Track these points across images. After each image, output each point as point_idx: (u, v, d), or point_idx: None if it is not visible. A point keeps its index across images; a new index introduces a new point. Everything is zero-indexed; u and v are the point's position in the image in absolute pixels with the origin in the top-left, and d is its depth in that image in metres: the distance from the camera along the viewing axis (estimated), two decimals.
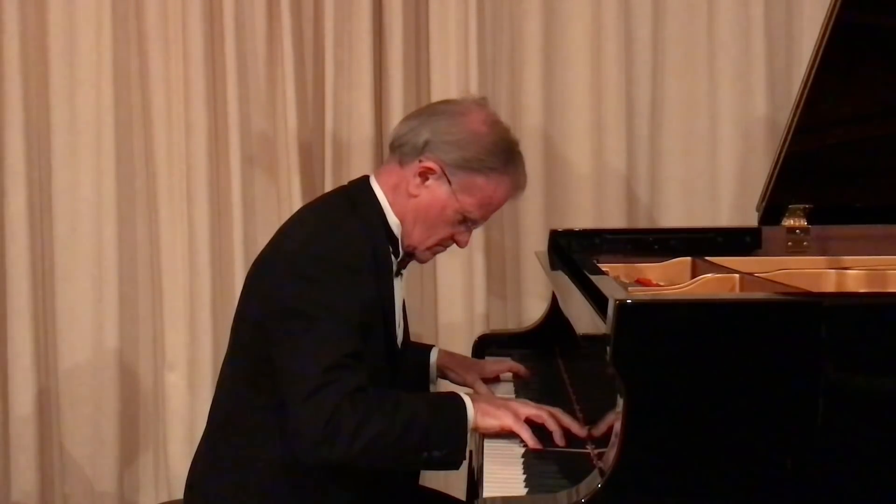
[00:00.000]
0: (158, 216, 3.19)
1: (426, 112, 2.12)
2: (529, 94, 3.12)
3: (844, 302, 1.75)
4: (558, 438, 1.89)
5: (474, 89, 3.06)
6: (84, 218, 3.19)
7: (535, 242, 3.04)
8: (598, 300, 1.79)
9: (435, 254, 2.16)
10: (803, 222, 2.54)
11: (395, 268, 2.09)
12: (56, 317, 3.23)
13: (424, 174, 2.03)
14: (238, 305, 2.12)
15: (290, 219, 2.18)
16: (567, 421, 1.92)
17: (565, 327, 1.91)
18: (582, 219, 3.09)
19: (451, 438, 1.88)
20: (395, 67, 3.10)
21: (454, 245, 2.15)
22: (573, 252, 2.66)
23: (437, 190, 2.04)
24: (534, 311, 3.05)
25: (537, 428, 1.92)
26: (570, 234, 2.79)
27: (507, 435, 1.94)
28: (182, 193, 3.17)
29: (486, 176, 2.03)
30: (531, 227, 3.11)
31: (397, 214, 2.07)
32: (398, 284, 2.13)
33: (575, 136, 3.13)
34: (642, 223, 3.15)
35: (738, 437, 1.55)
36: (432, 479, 3.06)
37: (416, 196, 2.05)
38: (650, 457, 1.55)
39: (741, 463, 1.55)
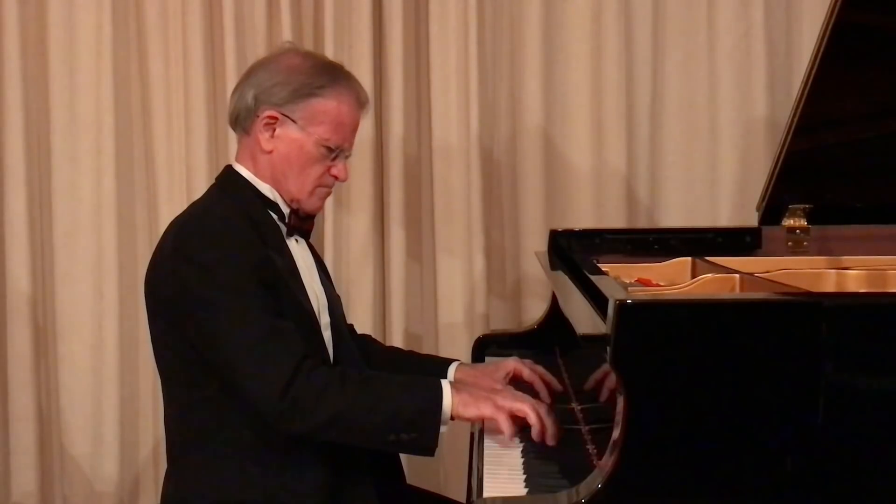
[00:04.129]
0: (158, 216, 3.19)
1: (243, 78, 2.17)
2: (529, 94, 3.11)
3: (844, 302, 1.74)
4: (535, 434, 1.89)
5: (474, 89, 3.06)
6: (84, 218, 3.19)
7: (535, 242, 3.03)
8: (598, 300, 1.79)
9: (322, 199, 2.16)
10: (803, 222, 2.54)
11: (284, 231, 2.11)
12: (56, 317, 3.22)
13: (269, 125, 2.08)
14: (146, 305, 2.12)
15: (170, 224, 2.16)
16: (547, 420, 1.91)
17: (565, 327, 1.91)
18: (582, 219, 3.08)
19: (421, 423, 1.88)
20: (395, 67, 3.10)
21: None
22: (573, 252, 2.66)
23: (287, 134, 2.08)
24: (534, 311, 3.04)
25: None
26: (570, 234, 2.79)
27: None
28: (182, 193, 3.16)
29: (321, 96, 2.07)
30: (531, 227, 3.11)
31: (266, 180, 2.10)
32: (297, 248, 2.14)
33: (575, 136, 3.13)
34: (642, 223, 3.14)
35: (738, 438, 1.55)
36: (431, 479, 3.06)
37: (271, 151, 2.09)
38: (650, 457, 1.55)
39: (741, 463, 1.55)
